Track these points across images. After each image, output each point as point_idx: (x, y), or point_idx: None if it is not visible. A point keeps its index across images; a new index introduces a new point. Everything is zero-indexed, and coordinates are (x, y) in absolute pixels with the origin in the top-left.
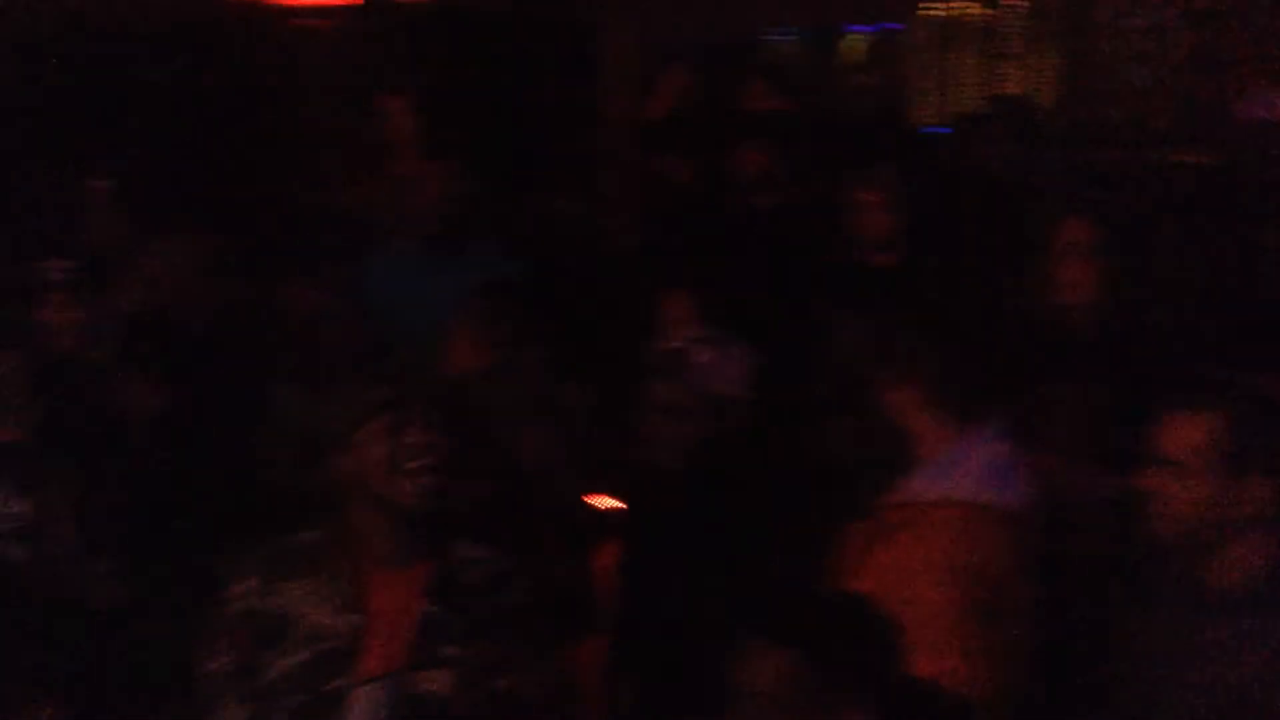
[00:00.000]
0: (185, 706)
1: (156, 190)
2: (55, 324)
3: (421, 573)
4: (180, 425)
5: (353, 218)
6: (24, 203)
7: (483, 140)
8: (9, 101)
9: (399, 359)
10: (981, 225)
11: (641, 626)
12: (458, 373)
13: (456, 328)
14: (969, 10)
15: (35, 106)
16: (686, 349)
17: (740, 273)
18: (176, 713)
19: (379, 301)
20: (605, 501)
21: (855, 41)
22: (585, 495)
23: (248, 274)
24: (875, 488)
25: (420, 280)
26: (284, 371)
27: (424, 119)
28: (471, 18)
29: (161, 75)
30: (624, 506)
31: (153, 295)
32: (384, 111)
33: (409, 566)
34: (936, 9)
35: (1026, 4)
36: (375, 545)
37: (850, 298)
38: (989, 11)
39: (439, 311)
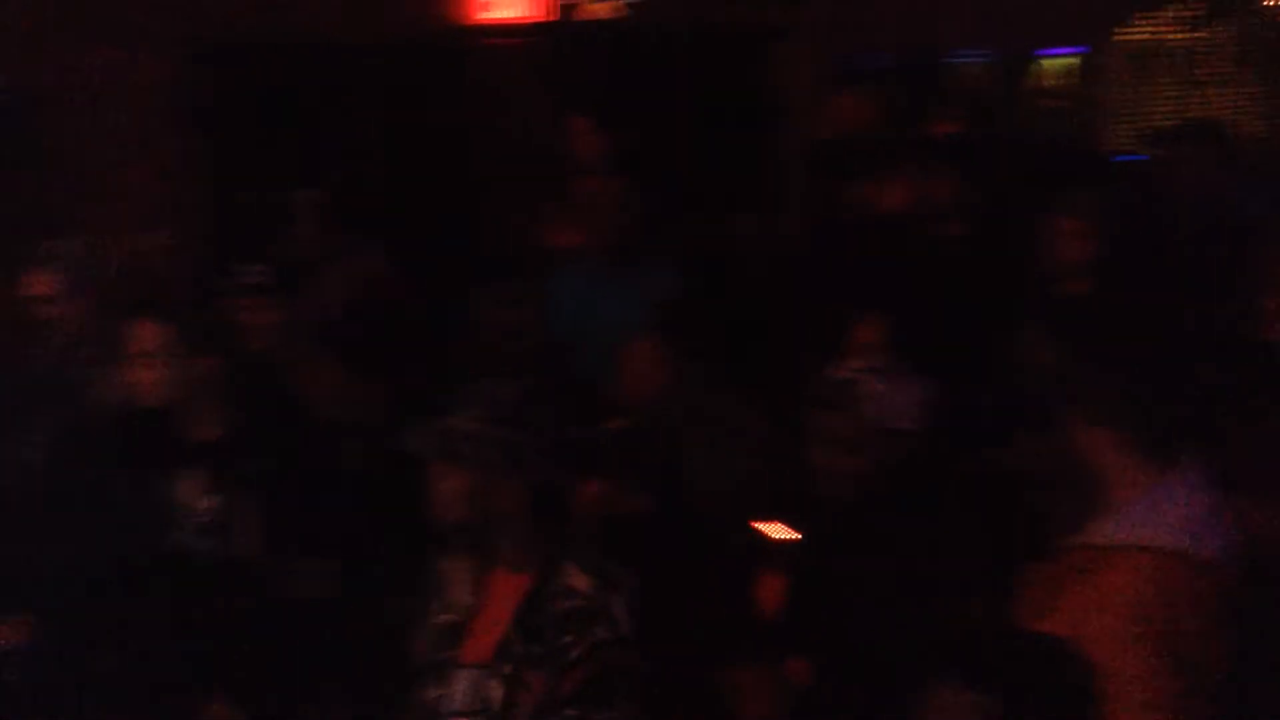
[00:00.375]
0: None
1: (356, 201)
2: (252, 325)
3: (528, 584)
4: (368, 425)
5: (538, 233)
6: (229, 212)
7: (664, 158)
8: (224, 112)
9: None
10: (1180, 255)
11: (816, 660)
12: (633, 389)
13: (634, 344)
14: (1167, 34)
15: (245, 119)
16: (857, 379)
17: (927, 300)
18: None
19: (559, 317)
20: (776, 530)
21: (1047, 64)
22: (753, 522)
23: (439, 284)
24: (1062, 528)
25: (599, 297)
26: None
27: (607, 137)
28: (656, 37)
29: (359, 92)
30: (796, 536)
31: (347, 300)
32: (570, 129)
33: (520, 573)
34: (1134, 32)
35: (1227, 29)
36: (496, 542)
37: (1042, 328)
38: (1188, 36)
39: (616, 328)
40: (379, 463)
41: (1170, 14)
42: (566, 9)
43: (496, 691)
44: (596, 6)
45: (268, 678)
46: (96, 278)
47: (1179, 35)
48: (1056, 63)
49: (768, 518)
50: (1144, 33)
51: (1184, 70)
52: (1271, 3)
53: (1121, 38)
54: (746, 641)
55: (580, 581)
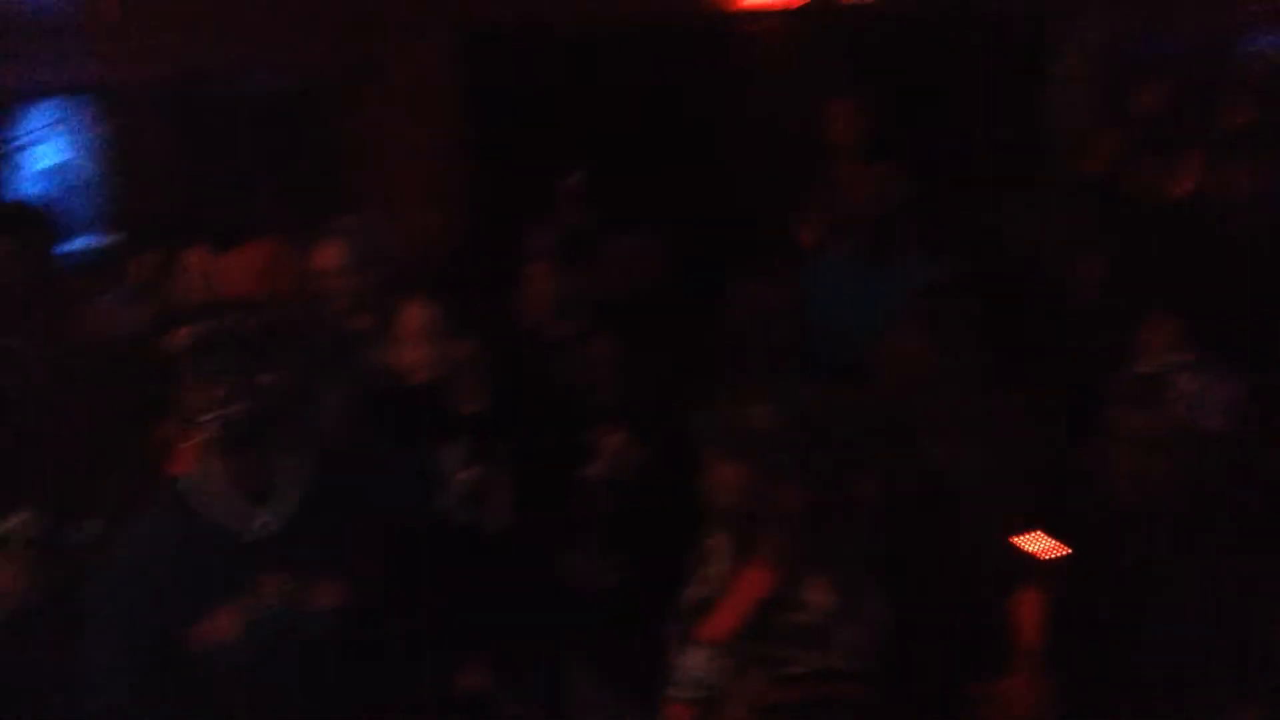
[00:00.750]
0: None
1: (622, 185)
2: (530, 297)
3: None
4: (633, 407)
5: (798, 220)
6: (497, 195)
7: (929, 143)
8: (496, 104)
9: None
10: None
11: (1096, 684)
12: (893, 378)
13: (894, 335)
14: None
15: (512, 104)
16: (1168, 375)
17: (1221, 296)
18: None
19: (819, 305)
20: (1039, 541)
21: None
22: (1014, 528)
23: (699, 270)
24: None
25: (859, 285)
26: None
27: (869, 122)
28: (917, 20)
29: (620, 78)
30: (1063, 549)
31: (619, 281)
32: (831, 114)
33: (777, 569)
34: None
35: None
36: (761, 534)
37: None
38: None
39: (877, 317)
40: (640, 444)
41: None
42: None
43: (717, 676)
44: None
45: (519, 646)
46: (377, 254)
47: None
48: None
49: (1032, 528)
50: None
51: None
52: None
53: None
54: (1002, 658)
55: (821, 598)
